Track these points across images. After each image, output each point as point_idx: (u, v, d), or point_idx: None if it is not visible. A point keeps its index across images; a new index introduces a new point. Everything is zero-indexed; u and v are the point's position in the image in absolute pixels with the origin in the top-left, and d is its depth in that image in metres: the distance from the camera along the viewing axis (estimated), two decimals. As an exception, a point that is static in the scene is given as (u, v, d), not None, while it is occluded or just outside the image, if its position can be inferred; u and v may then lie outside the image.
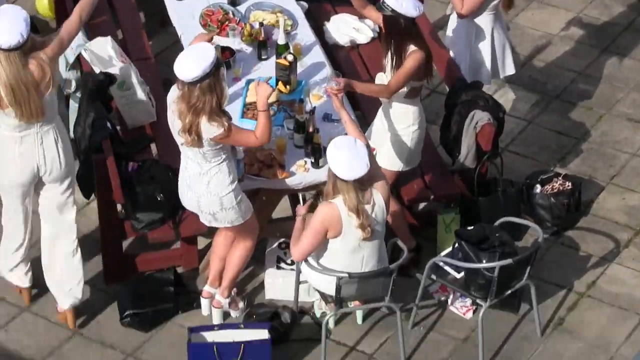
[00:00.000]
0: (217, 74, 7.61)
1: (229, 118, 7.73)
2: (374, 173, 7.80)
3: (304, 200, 8.76)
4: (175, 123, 7.72)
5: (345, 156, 7.51)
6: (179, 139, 7.72)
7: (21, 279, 8.67)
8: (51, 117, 8.16)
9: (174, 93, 7.78)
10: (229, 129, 7.61)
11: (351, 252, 7.81)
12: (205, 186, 7.81)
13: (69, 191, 8.38)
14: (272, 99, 8.85)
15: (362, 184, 7.56)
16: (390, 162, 8.52)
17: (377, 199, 7.67)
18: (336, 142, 7.68)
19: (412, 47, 8.25)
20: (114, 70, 8.97)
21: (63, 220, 8.45)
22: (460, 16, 9.28)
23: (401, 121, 8.50)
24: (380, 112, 8.74)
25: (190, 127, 7.53)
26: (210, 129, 7.52)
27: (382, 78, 8.53)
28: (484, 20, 9.37)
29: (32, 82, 7.79)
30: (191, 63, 7.51)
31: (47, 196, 8.37)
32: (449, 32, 9.64)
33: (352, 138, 7.80)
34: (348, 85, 8.18)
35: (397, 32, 8.28)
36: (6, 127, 8.04)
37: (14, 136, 8.06)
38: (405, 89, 8.34)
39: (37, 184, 8.36)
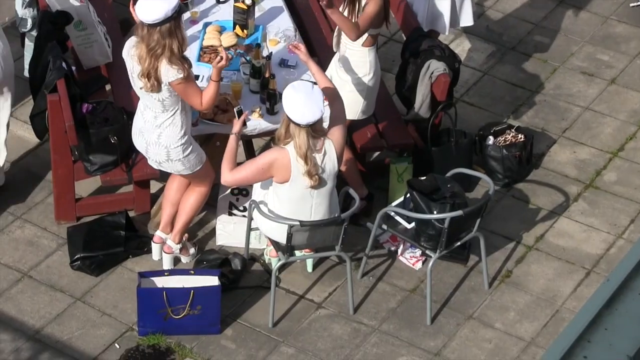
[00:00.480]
0: (178, 19, 7.61)
1: (190, 65, 7.71)
2: (333, 124, 7.82)
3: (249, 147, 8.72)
4: (134, 68, 7.64)
5: (301, 100, 7.51)
6: (138, 83, 7.66)
7: None
8: None
9: (130, 44, 7.71)
10: (188, 76, 7.61)
11: (299, 199, 7.83)
12: (157, 137, 7.85)
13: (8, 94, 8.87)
14: (230, 42, 8.83)
15: (315, 131, 7.55)
16: (346, 111, 8.44)
17: (329, 148, 7.66)
18: (294, 86, 7.75)
19: None
20: (71, 9, 8.87)
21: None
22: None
23: (357, 70, 8.47)
24: (334, 61, 8.70)
25: (149, 72, 7.52)
26: (169, 72, 7.51)
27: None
28: None
29: None
30: (153, 5, 7.45)
31: None
32: None
33: (309, 83, 7.84)
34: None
35: None
36: None
37: None
38: (362, 37, 8.22)
39: None
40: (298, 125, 7.46)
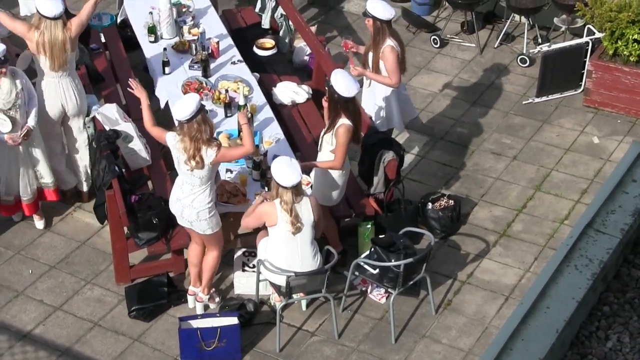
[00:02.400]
0: (204, 111, 7.65)
1: (220, 144, 7.79)
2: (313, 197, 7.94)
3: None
4: (180, 157, 7.67)
5: (284, 169, 7.55)
6: (185, 167, 7.67)
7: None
8: (71, 70, 8.95)
9: (173, 139, 7.72)
10: (220, 146, 7.72)
11: (285, 241, 7.74)
12: (191, 202, 7.78)
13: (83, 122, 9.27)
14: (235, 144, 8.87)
15: (297, 192, 7.62)
16: (325, 200, 8.49)
17: (305, 203, 7.70)
18: (278, 159, 7.70)
19: (342, 121, 8.11)
20: (119, 127, 8.94)
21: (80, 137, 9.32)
22: (395, 87, 9.11)
23: (334, 174, 8.40)
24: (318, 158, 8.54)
25: (194, 155, 7.54)
26: (209, 153, 7.57)
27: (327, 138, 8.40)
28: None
29: (63, 42, 8.59)
30: (186, 105, 7.54)
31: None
32: (374, 99, 9.28)
33: (288, 157, 7.85)
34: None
35: (334, 102, 8.16)
36: (46, 73, 8.83)
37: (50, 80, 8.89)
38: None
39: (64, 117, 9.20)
40: (285, 187, 7.53)
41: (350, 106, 8.14)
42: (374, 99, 9.25)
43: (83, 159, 9.36)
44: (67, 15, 8.96)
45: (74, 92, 9.00)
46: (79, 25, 8.83)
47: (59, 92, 8.92)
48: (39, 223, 9.35)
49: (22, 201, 9.11)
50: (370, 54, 8.97)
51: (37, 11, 8.62)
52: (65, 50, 8.70)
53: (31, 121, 8.71)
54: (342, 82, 8.08)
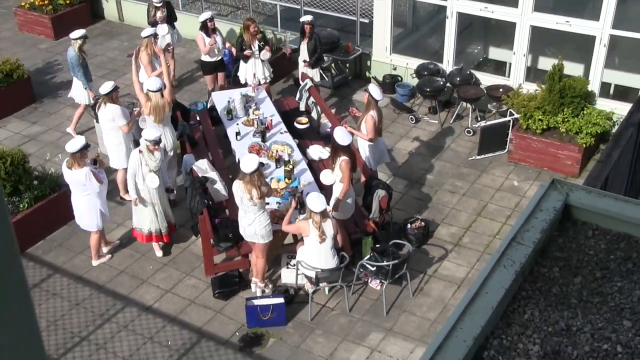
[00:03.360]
0: (261, 167, 7.80)
1: (269, 187, 8.06)
2: (334, 218, 7.96)
3: (294, 236, 8.77)
4: (244, 196, 7.72)
5: (315, 200, 7.63)
6: (248, 203, 7.73)
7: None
8: (167, 122, 9.30)
9: (238, 185, 7.79)
10: (271, 189, 8.05)
11: (315, 247, 7.74)
12: (250, 222, 7.85)
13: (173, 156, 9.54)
14: (283, 186, 8.91)
15: (323, 215, 7.65)
16: (343, 214, 8.51)
17: (328, 222, 7.73)
18: (311, 194, 7.85)
19: (342, 157, 8.18)
20: (208, 174, 9.01)
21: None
22: (369, 142, 9.20)
23: (345, 202, 8.42)
24: (334, 188, 8.50)
25: (259, 194, 7.68)
26: (265, 190, 7.77)
27: (328, 173, 8.51)
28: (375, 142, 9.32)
29: (163, 107, 9.09)
30: (251, 162, 7.64)
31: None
32: (366, 148, 9.31)
33: (318, 193, 7.96)
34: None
35: (334, 147, 8.32)
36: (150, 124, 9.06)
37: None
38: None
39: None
40: (315, 212, 7.57)
41: (346, 149, 8.24)
42: (362, 149, 9.36)
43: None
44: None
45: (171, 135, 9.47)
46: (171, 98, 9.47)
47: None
48: (159, 252, 9.04)
49: (155, 233, 8.73)
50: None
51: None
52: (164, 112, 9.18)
53: (167, 181, 8.83)
54: (339, 135, 8.28)
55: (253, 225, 7.89)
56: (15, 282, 0.91)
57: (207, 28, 11.29)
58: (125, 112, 9.24)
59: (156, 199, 8.55)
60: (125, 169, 9.07)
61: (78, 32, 10.68)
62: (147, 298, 8.49)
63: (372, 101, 9.01)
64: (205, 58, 11.52)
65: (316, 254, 7.84)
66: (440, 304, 8.37)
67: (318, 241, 7.73)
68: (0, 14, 15.59)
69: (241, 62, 11.30)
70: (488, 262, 4.50)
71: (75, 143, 8.10)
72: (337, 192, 8.34)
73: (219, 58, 11.57)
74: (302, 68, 11.51)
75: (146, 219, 8.66)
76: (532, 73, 11.71)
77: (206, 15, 11.30)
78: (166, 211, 8.77)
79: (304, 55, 11.40)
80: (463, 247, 9.22)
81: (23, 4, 14.83)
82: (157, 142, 8.26)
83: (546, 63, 11.59)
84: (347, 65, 12.86)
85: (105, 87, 9.11)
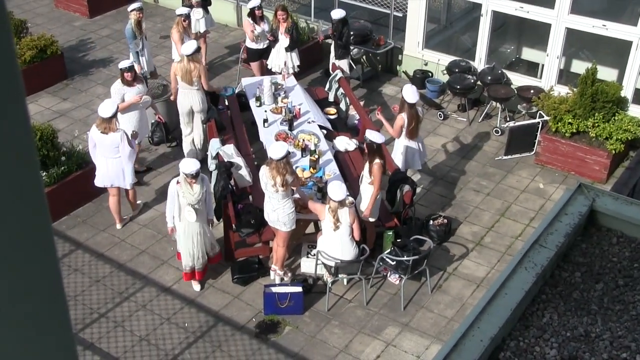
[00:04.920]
0: (289, 156, 7.79)
1: (296, 174, 8.00)
2: (352, 210, 7.90)
3: (316, 225, 8.76)
4: (268, 182, 7.73)
5: (335, 188, 7.65)
6: (271, 189, 7.74)
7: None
8: (197, 86, 9.67)
9: (264, 170, 7.82)
10: (298, 179, 7.95)
11: (329, 234, 7.76)
12: (274, 208, 7.87)
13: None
14: (308, 175, 8.91)
15: (341, 203, 7.63)
16: (373, 215, 8.44)
17: (344, 211, 7.73)
18: (333, 181, 7.94)
19: (377, 160, 8.14)
20: (233, 160, 9.02)
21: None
22: (394, 136, 9.19)
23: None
24: (361, 189, 8.47)
25: (281, 181, 7.64)
26: (289, 179, 7.70)
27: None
28: (404, 139, 9.31)
29: (191, 70, 9.47)
30: (279, 149, 7.67)
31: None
32: (400, 146, 9.31)
33: (340, 182, 7.96)
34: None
35: (370, 148, 8.22)
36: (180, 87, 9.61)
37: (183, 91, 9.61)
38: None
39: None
40: (334, 201, 7.57)
41: (380, 152, 8.21)
42: (396, 147, 9.35)
43: None
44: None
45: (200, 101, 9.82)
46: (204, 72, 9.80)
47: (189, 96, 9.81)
48: (197, 286, 8.42)
49: (190, 270, 8.25)
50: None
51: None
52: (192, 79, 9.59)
53: (211, 213, 8.25)
54: (373, 135, 8.23)
55: (276, 212, 7.91)
56: (46, 252, 0.93)
57: (255, 15, 11.30)
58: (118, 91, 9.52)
59: (195, 233, 7.95)
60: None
61: (134, 4, 11.05)
62: (167, 279, 8.55)
63: (404, 103, 8.97)
64: (252, 45, 11.52)
65: (334, 243, 7.83)
66: (459, 302, 8.33)
67: (332, 228, 7.73)
68: (37, -10, 15.75)
69: (272, 49, 11.35)
70: (509, 263, 4.47)
71: (109, 107, 8.41)
72: (366, 194, 8.29)
73: (266, 45, 11.59)
74: (332, 59, 11.49)
75: (183, 253, 8.13)
76: (565, 75, 11.57)
77: (255, 2, 11.29)
78: (206, 244, 8.14)
79: (334, 47, 11.39)
80: (484, 247, 9.16)
81: (60, -20, 14.96)
82: (195, 175, 7.60)
83: (579, 66, 11.44)
84: (378, 58, 12.81)
85: (123, 63, 9.52)
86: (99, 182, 8.88)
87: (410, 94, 8.94)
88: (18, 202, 0.90)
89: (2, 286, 0.91)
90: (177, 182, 7.80)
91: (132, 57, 11.00)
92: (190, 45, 9.63)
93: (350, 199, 8.30)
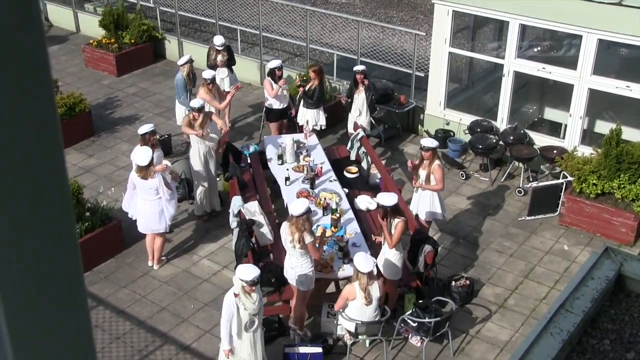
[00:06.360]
0: (309, 212, 7.73)
1: (315, 235, 7.87)
2: (379, 278, 7.85)
3: (337, 285, 8.66)
4: (287, 238, 7.74)
5: (362, 261, 7.53)
6: (289, 245, 7.74)
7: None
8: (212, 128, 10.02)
9: (285, 226, 7.83)
10: (314, 241, 7.75)
11: (360, 308, 7.66)
12: (293, 267, 7.83)
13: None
14: (329, 234, 8.86)
15: (370, 276, 7.53)
16: (393, 275, 8.41)
17: (374, 285, 7.63)
18: (359, 254, 7.73)
19: (397, 219, 8.12)
20: (255, 217, 9.02)
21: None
22: (440, 190, 9.17)
23: (394, 252, 8.34)
24: (383, 249, 8.44)
25: (299, 238, 7.62)
26: (308, 237, 7.64)
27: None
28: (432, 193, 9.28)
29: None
30: (299, 206, 7.68)
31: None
32: (435, 198, 9.32)
33: (365, 253, 7.81)
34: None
35: (385, 211, 8.17)
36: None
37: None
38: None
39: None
40: (362, 273, 7.47)
41: (399, 211, 8.18)
42: (422, 202, 9.29)
43: None
44: None
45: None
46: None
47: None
48: None
49: None
50: (423, 172, 9.04)
51: None
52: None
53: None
54: (382, 199, 8.18)
55: (294, 270, 7.86)
56: (78, 299, 0.94)
57: (275, 75, 11.46)
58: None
59: (256, 343, 7.32)
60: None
61: (184, 58, 11.68)
62: (186, 337, 8.46)
63: (434, 152, 9.02)
64: (272, 105, 11.67)
65: (359, 310, 7.75)
66: (482, 366, 8.13)
67: (364, 303, 7.65)
68: (69, 51, 16.17)
69: (300, 106, 11.59)
70: (534, 327, 4.36)
71: (145, 156, 8.77)
72: (387, 253, 8.26)
73: (286, 105, 11.72)
74: (354, 117, 11.56)
75: None
76: (588, 136, 11.52)
77: (276, 63, 11.52)
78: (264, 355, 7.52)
79: (357, 104, 11.47)
80: (508, 309, 9.00)
81: (91, 41, 15.35)
82: (254, 282, 6.96)
83: (603, 127, 11.39)
84: (399, 117, 12.86)
85: (143, 129, 9.54)
86: (141, 228, 9.24)
87: (431, 140, 9.16)
88: (54, 251, 0.94)
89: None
90: (235, 295, 7.06)
91: (177, 107, 11.59)
92: (196, 102, 9.95)
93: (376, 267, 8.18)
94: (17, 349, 0.89)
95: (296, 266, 7.84)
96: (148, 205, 9.00)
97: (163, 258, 9.65)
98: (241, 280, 6.94)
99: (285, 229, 7.83)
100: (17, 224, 0.85)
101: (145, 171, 8.79)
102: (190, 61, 11.54)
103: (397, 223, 8.07)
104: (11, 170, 0.81)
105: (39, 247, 0.89)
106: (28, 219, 0.86)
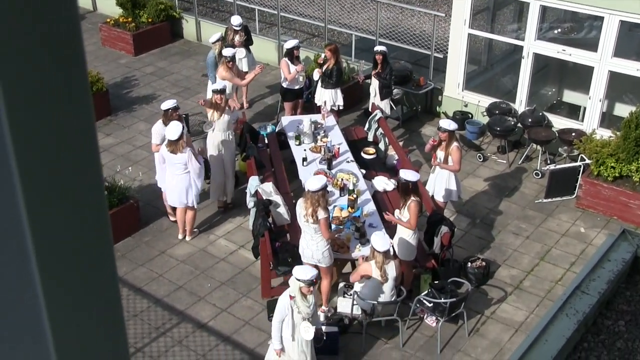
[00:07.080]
0: (325, 189, 7.78)
1: (328, 211, 7.91)
2: (395, 258, 7.88)
3: (353, 265, 8.73)
4: (301, 213, 7.82)
5: (379, 240, 7.62)
6: (303, 219, 7.82)
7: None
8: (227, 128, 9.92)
9: (300, 202, 7.91)
10: (327, 218, 7.79)
11: (376, 287, 7.73)
12: (311, 246, 7.90)
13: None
14: (346, 215, 8.91)
15: (386, 255, 7.60)
16: (407, 256, 8.47)
17: (390, 265, 7.69)
18: (376, 233, 7.84)
19: (413, 198, 8.17)
20: (272, 197, 9.08)
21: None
22: (456, 171, 9.21)
23: (409, 232, 8.37)
24: (398, 229, 8.46)
25: (312, 213, 7.67)
26: (321, 213, 7.70)
27: (397, 212, 8.48)
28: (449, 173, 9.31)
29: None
30: (316, 182, 7.71)
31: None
32: (452, 180, 9.35)
33: (382, 232, 7.88)
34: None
35: (404, 188, 8.25)
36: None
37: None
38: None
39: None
40: (379, 252, 7.53)
41: (416, 191, 8.20)
42: (438, 182, 9.32)
43: None
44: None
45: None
46: None
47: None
48: None
49: None
50: (441, 153, 9.06)
51: None
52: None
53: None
54: (407, 174, 8.20)
55: (310, 248, 7.93)
56: (108, 273, 0.99)
57: (293, 55, 11.47)
58: (159, 131, 9.59)
59: (307, 351, 7.19)
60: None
61: (215, 36, 11.80)
62: (203, 315, 8.58)
63: (451, 134, 9.03)
64: (288, 85, 11.67)
65: (375, 290, 7.82)
66: (496, 347, 8.19)
67: (380, 282, 7.72)
68: (86, 29, 16.21)
69: (317, 86, 11.57)
70: (550, 308, 4.41)
71: (176, 130, 8.84)
72: (402, 233, 8.31)
73: (301, 86, 11.74)
74: (372, 98, 11.57)
75: None
76: (607, 119, 11.46)
77: (293, 42, 11.48)
78: (313, 356, 7.34)
79: (373, 85, 11.46)
80: (523, 291, 9.03)
81: (108, 20, 15.41)
82: (312, 282, 6.85)
83: (623, 110, 11.33)
84: (418, 98, 12.85)
85: (166, 104, 9.55)
86: (171, 201, 9.49)
87: (449, 122, 9.16)
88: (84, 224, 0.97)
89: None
90: (291, 297, 6.96)
91: (209, 87, 11.49)
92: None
93: (393, 247, 8.23)
94: (54, 318, 0.93)
95: (311, 244, 7.92)
96: (177, 179, 9.18)
97: (195, 230, 9.83)
98: (298, 280, 6.84)
99: (300, 204, 7.91)
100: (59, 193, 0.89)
101: (174, 145, 8.91)
102: (222, 39, 11.55)
103: (410, 203, 8.11)
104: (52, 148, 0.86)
105: (76, 217, 0.93)
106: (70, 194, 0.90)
